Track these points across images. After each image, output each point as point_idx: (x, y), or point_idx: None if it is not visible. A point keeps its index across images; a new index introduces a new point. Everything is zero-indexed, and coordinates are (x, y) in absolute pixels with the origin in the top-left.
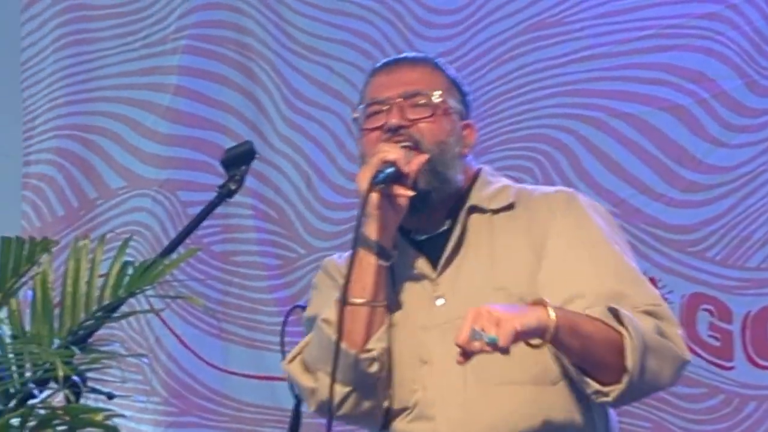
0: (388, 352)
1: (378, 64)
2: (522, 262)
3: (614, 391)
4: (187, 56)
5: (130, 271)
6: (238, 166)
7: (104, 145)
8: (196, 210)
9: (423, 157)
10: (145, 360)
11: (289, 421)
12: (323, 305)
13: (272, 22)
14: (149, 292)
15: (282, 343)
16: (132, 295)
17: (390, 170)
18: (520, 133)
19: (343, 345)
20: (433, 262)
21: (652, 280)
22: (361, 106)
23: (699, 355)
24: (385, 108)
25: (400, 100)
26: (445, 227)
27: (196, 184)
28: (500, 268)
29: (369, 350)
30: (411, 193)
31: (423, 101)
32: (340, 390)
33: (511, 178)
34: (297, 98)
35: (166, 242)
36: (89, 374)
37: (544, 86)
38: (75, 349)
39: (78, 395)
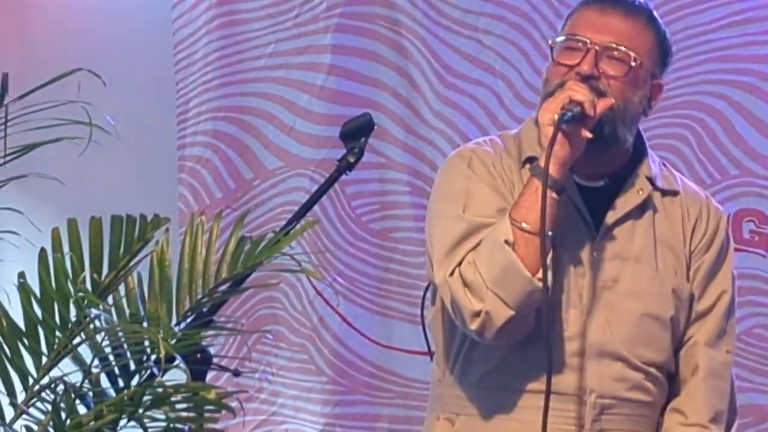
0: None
1: None
2: (674, 257)
3: None
4: (338, 35)
5: (247, 246)
6: (357, 139)
7: (259, 126)
8: (355, 189)
9: (608, 101)
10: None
11: None
12: (483, 206)
13: None
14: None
15: (422, 316)
16: (250, 269)
17: (576, 110)
18: (673, 101)
19: (526, 272)
20: (595, 214)
21: None
22: (561, 38)
23: None
24: (582, 49)
25: (599, 48)
26: (601, 183)
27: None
28: (660, 257)
29: (540, 279)
30: (590, 135)
31: (621, 57)
32: (505, 312)
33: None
34: (448, 73)
35: (326, 222)
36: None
37: (695, 52)
38: (174, 328)
39: (203, 373)
